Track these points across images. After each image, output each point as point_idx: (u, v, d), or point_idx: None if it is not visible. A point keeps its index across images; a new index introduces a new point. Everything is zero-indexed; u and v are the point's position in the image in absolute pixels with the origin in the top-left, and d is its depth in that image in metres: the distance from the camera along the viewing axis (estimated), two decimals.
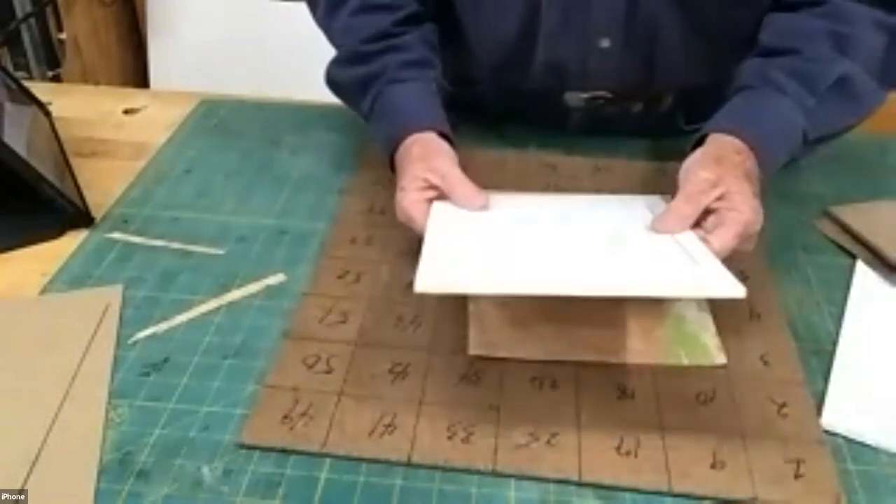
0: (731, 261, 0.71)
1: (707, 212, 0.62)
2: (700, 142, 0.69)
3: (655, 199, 0.70)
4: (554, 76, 0.84)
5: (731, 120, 0.69)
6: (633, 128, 0.90)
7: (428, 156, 0.69)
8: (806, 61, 0.70)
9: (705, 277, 0.55)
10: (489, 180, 0.82)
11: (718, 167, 0.63)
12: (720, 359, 0.61)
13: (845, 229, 0.76)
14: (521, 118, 0.92)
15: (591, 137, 0.89)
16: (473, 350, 0.61)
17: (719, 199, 0.61)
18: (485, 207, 0.67)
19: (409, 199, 0.66)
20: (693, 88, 0.87)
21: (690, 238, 0.60)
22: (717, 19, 0.78)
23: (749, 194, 0.62)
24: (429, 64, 0.79)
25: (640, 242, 0.61)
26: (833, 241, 0.75)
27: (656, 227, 0.62)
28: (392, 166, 0.73)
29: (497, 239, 0.63)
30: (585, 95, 0.86)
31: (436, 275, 0.55)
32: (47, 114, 0.92)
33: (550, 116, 0.90)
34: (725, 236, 0.59)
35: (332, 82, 0.81)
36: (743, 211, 0.60)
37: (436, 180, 0.67)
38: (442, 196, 0.67)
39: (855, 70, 0.69)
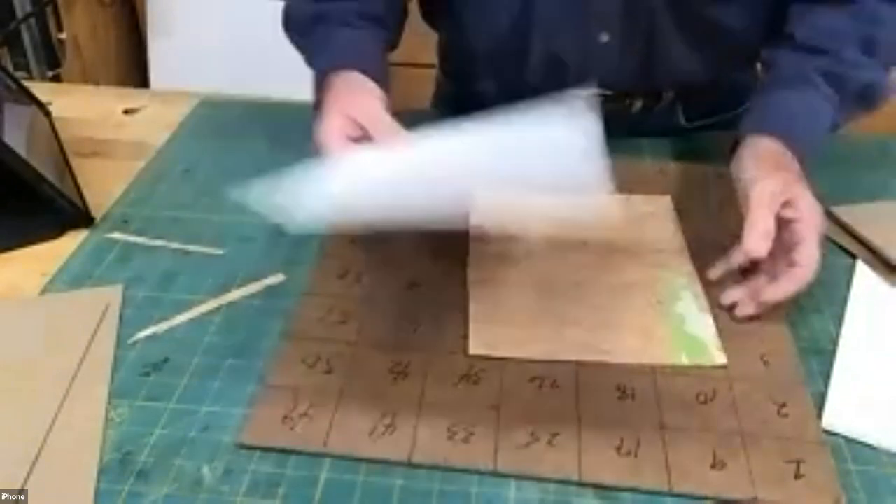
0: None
1: (779, 221, 0.64)
2: (736, 142, 0.72)
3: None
4: (554, 70, 0.84)
5: (778, 123, 0.71)
6: (633, 126, 0.90)
7: (358, 93, 0.68)
8: (839, 63, 0.73)
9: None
10: None
11: (780, 176, 0.66)
12: (720, 359, 0.61)
13: (845, 229, 0.75)
14: None
15: None
16: (474, 350, 0.61)
17: (785, 206, 0.65)
18: (404, 144, 0.63)
19: (331, 125, 0.64)
20: (692, 85, 0.87)
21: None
22: (710, 17, 0.79)
23: (810, 196, 0.65)
24: (382, 22, 0.80)
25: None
26: (833, 241, 0.75)
27: (746, 249, 0.63)
28: (318, 103, 0.72)
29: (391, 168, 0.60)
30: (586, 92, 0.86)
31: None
32: (47, 114, 0.92)
33: None
34: (810, 248, 0.64)
35: (286, 16, 0.82)
36: (810, 218, 0.64)
37: (361, 118, 0.64)
38: (364, 138, 0.64)
39: (880, 76, 0.74)
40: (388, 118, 0.65)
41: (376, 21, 0.80)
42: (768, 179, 0.66)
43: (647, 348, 0.62)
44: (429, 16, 0.94)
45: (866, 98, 0.75)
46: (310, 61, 0.80)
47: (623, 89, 0.86)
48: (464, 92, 0.97)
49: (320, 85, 0.73)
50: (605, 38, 0.80)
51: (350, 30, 0.78)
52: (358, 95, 0.68)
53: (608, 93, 0.86)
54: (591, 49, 0.81)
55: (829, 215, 0.77)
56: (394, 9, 0.83)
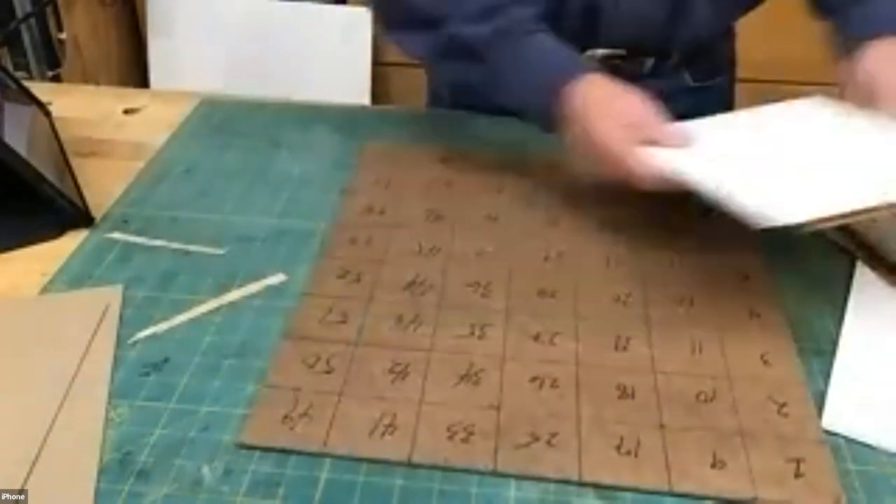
0: (731, 262, 0.72)
1: None
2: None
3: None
4: (587, 21, 0.85)
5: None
6: (643, 87, 0.90)
7: (623, 96, 0.72)
8: None
9: None
10: (498, 176, 0.83)
11: None
12: None
13: (845, 229, 0.75)
14: None
15: None
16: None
17: None
18: (690, 143, 0.70)
19: (618, 137, 0.69)
20: (704, 39, 0.90)
21: None
22: None
23: None
24: (544, 19, 0.81)
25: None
26: (833, 241, 0.75)
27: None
28: (544, 112, 0.75)
29: (773, 165, 0.68)
30: (602, 53, 0.87)
31: (789, 208, 0.59)
32: (47, 114, 0.92)
33: None
34: None
35: (454, 41, 0.79)
36: None
37: (637, 120, 0.70)
38: (639, 136, 0.70)
39: None
40: (663, 119, 0.70)
41: (541, 18, 0.80)
42: None
43: None
44: None
45: None
46: (500, 78, 0.78)
47: (641, 42, 0.88)
48: None
49: (548, 95, 0.74)
50: None
51: (543, 36, 0.78)
52: (626, 99, 0.72)
53: (623, 53, 0.88)
54: None
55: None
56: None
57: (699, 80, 0.96)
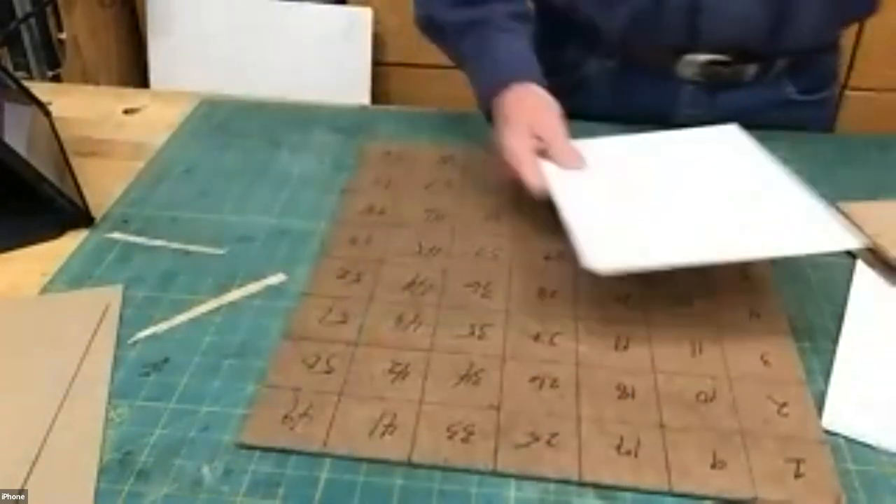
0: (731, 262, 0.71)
1: None
2: None
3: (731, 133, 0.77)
4: (688, 22, 0.83)
5: None
6: (743, 101, 0.89)
7: (540, 109, 0.76)
8: None
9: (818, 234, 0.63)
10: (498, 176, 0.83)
11: None
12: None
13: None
14: (624, 111, 0.90)
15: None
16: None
17: None
18: (582, 165, 0.74)
19: (522, 145, 0.73)
20: (808, 47, 0.88)
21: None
22: None
23: None
24: (528, 18, 0.83)
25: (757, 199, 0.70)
26: None
27: None
28: (487, 108, 0.80)
29: (632, 207, 0.69)
30: (704, 59, 0.86)
31: (605, 255, 0.61)
32: (47, 114, 0.92)
33: (659, 98, 0.90)
34: None
35: (431, 22, 0.85)
36: None
37: (543, 134, 0.74)
38: (542, 148, 0.74)
39: None
40: (566, 137, 0.74)
41: (525, 18, 0.83)
42: None
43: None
44: None
45: None
46: (465, 67, 0.83)
47: (743, 47, 0.86)
48: (566, 94, 0.84)
49: (488, 94, 0.79)
50: None
51: (508, 36, 0.81)
52: (541, 112, 0.75)
53: (725, 58, 0.87)
54: None
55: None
56: None
57: (803, 93, 0.92)
